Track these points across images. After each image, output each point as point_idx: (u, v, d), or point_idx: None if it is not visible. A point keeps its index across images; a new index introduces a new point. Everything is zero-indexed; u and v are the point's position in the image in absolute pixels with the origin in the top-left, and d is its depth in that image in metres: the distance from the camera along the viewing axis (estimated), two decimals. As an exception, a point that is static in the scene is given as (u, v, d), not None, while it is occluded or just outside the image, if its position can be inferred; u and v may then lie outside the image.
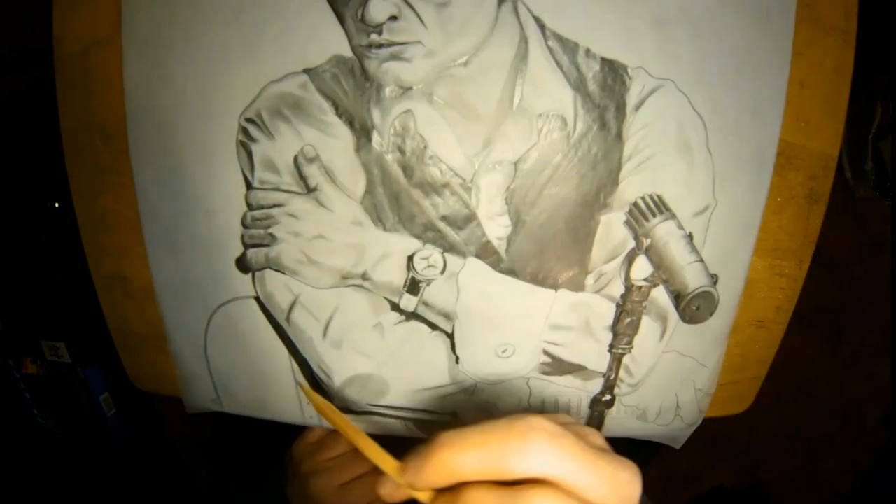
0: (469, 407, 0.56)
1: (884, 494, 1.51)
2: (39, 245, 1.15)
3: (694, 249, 0.51)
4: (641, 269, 0.51)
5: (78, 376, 1.22)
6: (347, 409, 0.56)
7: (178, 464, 1.39)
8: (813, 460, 1.59)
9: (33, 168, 1.11)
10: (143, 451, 1.33)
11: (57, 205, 1.14)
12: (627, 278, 0.51)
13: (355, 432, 0.36)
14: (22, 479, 1.22)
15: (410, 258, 0.50)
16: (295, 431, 0.63)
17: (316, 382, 0.56)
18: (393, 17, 0.45)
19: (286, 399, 0.57)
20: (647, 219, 0.49)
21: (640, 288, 0.51)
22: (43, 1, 0.55)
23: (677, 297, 0.52)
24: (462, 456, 0.30)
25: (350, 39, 0.47)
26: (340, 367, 0.54)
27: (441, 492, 0.32)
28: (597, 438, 0.36)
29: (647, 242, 0.50)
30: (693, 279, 0.51)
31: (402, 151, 0.48)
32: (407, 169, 0.48)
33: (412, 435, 0.58)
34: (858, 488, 1.58)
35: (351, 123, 0.48)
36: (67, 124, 0.57)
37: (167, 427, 1.37)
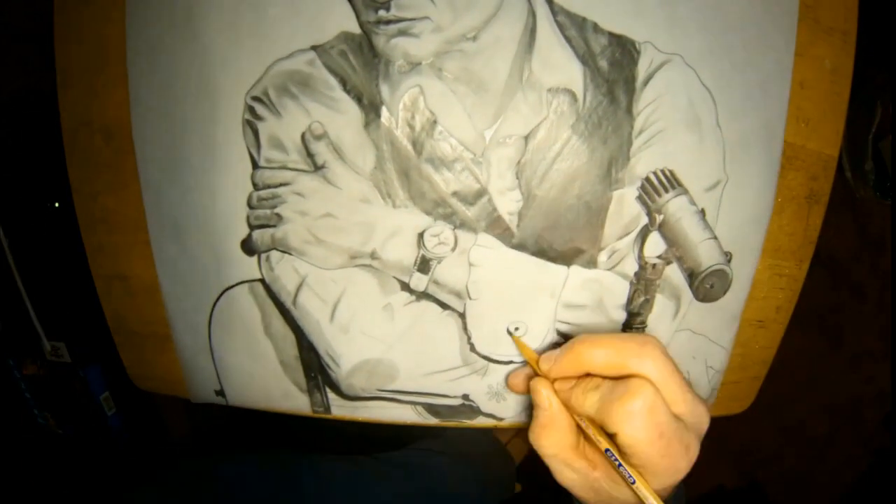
0: (481, 389, 0.55)
1: (884, 494, 1.51)
2: (39, 245, 1.15)
3: (707, 226, 0.50)
4: (655, 246, 0.50)
5: (78, 376, 1.22)
6: (357, 396, 0.56)
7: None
8: (813, 460, 1.59)
9: (33, 168, 1.11)
10: (144, 451, 1.33)
11: (57, 205, 1.13)
12: (641, 255, 0.50)
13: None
14: (22, 479, 1.22)
15: (420, 235, 0.49)
16: (295, 424, 0.62)
17: (322, 369, 0.55)
18: None
19: (292, 388, 0.57)
20: (659, 194, 0.49)
21: (654, 265, 0.51)
22: (44, 1, 0.55)
23: (691, 275, 0.51)
24: (594, 350, 0.40)
25: (358, 15, 0.46)
26: (348, 352, 0.54)
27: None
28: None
29: (659, 218, 0.49)
30: (707, 256, 0.50)
31: (411, 127, 0.47)
32: (416, 144, 0.48)
33: (423, 421, 0.57)
34: (858, 488, 1.57)
35: (359, 100, 0.47)
36: (68, 124, 0.56)
37: (167, 427, 1.36)
